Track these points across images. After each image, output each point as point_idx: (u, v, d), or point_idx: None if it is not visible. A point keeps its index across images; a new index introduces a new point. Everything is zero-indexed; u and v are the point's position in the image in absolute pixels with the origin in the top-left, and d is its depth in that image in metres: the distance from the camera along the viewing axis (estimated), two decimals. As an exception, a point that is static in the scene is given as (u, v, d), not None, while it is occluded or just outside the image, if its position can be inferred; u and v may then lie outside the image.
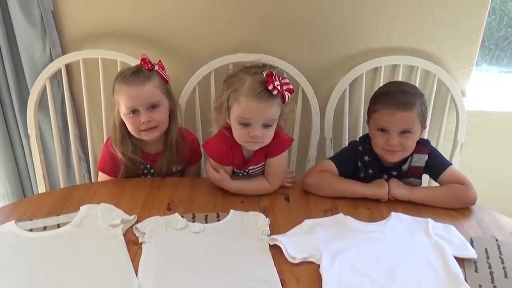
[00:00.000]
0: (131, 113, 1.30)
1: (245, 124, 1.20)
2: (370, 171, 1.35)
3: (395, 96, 1.25)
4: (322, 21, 1.61)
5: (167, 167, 1.41)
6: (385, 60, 1.64)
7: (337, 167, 1.33)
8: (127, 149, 1.36)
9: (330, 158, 1.38)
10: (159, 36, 1.64)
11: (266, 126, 1.20)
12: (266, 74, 1.16)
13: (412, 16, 1.59)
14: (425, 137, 1.68)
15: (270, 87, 1.15)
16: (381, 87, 1.40)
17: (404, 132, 1.25)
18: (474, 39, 1.62)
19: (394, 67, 1.67)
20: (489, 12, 1.59)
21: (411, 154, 1.32)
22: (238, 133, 1.23)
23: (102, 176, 1.44)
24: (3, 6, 1.53)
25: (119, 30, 1.63)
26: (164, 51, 1.64)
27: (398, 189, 1.27)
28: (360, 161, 1.36)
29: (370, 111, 1.32)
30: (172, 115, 1.38)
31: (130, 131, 1.34)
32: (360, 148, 1.36)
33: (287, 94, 1.19)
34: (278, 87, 1.16)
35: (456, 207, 1.25)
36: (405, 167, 1.34)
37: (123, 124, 1.34)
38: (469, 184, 1.27)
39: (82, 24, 1.62)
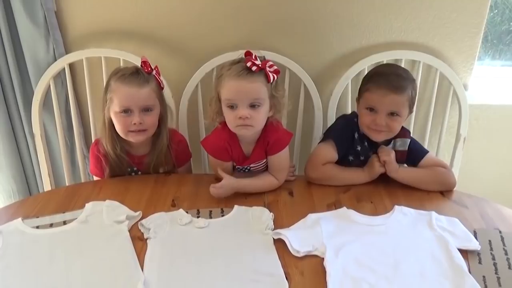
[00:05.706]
0: (123, 112, 1.29)
1: (233, 107, 1.21)
2: (366, 144, 1.36)
3: (389, 79, 1.28)
4: (323, 17, 1.61)
5: (154, 169, 1.41)
6: (387, 55, 1.64)
7: (337, 146, 1.34)
8: (117, 147, 1.36)
9: (330, 138, 1.36)
10: (161, 34, 1.64)
11: (253, 106, 1.20)
12: (245, 53, 1.18)
13: (414, 11, 1.59)
14: (428, 131, 1.69)
15: (249, 64, 1.17)
16: (375, 67, 1.41)
17: (392, 114, 1.27)
18: (475, 32, 1.62)
19: (396, 62, 1.66)
20: (491, 6, 1.59)
21: (395, 139, 1.35)
22: (228, 118, 1.23)
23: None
24: (7, 7, 1.54)
25: (121, 29, 1.64)
26: (166, 49, 1.65)
27: (391, 162, 1.30)
28: (357, 133, 1.37)
29: (362, 89, 1.34)
30: (162, 121, 1.38)
31: (117, 131, 1.33)
32: (356, 119, 1.37)
33: (271, 74, 1.20)
34: (259, 65, 1.18)
35: (437, 189, 1.30)
36: (390, 147, 1.36)
37: (112, 123, 1.34)
38: (450, 168, 1.33)
39: (85, 23, 1.63)
